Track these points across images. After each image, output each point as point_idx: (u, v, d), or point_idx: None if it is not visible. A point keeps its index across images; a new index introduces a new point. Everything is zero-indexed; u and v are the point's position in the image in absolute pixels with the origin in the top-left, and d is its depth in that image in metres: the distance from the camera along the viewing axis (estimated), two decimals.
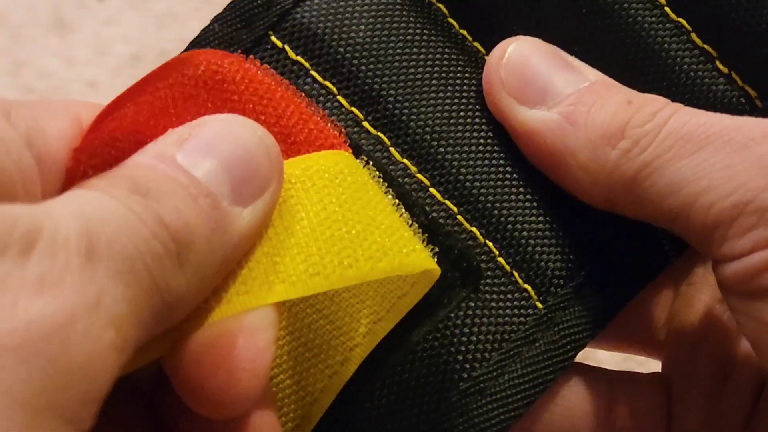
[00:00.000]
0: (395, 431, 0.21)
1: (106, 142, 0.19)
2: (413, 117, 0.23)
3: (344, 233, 0.19)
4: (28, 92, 0.53)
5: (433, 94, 0.23)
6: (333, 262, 0.19)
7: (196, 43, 0.23)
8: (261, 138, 0.19)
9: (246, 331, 0.18)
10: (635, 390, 0.25)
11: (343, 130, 0.22)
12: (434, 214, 0.22)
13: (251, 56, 0.22)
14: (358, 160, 0.21)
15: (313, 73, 0.23)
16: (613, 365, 0.26)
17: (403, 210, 0.21)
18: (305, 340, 0.21)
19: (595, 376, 0.24)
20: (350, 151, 0.21)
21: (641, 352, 0.26)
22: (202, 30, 0.23)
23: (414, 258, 0.19)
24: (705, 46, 0.23)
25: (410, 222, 0.21)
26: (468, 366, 0.21)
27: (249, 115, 0.20)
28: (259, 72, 0.21)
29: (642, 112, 0.22)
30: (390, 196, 0.21)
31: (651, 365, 0.26)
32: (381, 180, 0.21)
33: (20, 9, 0.57)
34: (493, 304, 0.22)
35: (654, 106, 0.22)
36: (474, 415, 0.21)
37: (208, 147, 0.18)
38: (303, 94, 0.22)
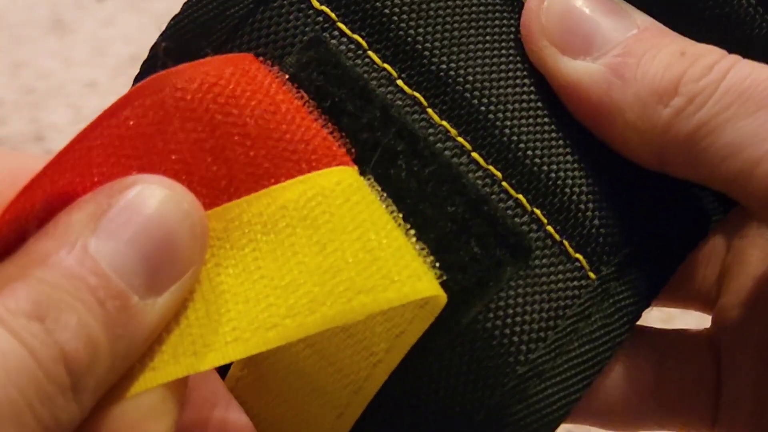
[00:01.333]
0: (447, 422, 0.20)
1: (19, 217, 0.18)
2: (452, 73, 0.21)
3: (340, 264, 0.18)
4: (28, 92, 0.53)
5: (472, 46, 0.21)
6: (318, 301, 0.18)
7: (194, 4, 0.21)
8: (187, 213, 0.18)
9: (129, 426, 0.16)
10: (683, 353, 0.23)
11: (350, 148, 0.20)
12: (479, 182, 0.20)
13: (256, 57, 0.20)
14: (364, 179, 0.20)
15: (340, 25, 0.20)
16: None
17: (407, 227, 0.20)
18: (316, 369, 0.20)
19: (641, 340, 0.23)
20: (355, 167, 0.20)
21: (691, 308, 0.24)
22: None
23: (420, 286, 0.18)
24: None
25: (414, 240, 0.20)
26: (524, 348, 0.20)
27: (245, 132, 0.19)
28: (265, 79, 0.20)
29: (697, 64, 0.20)
30: (394, 213, 0.20)
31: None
32: (385, 196, 0.20)
33: (19, 9, 0.57)
34: (545, 278, 0.20)
35: (711, 58, 0.20)
36: (534, 401, 0.20)
37: (125, 227, 0.17)
38: (307, 103, 0.20)
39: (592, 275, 0.20)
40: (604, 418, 0.23)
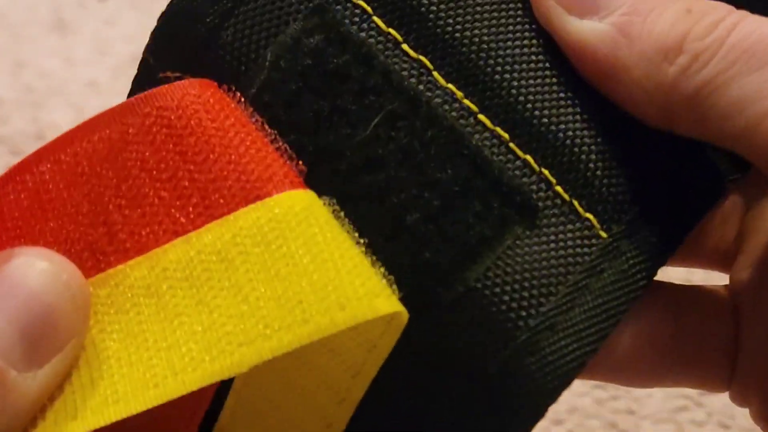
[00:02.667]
0: (460, 377, 0.20)
1: None
2: (458, 35, 0.21)
3: (263, 302, 0.18)
4: (28, 92, 0.53)
5: (478, 8, 0.21)
6: (198, 359, 0.18)
7: None
8: (66, 284, 0.18)
9: None
10: (701, 310, 0.23)
11: (302, 168, 0.20)
12: (486, 143, 0.20)
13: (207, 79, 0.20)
14: (321, 200, 0.20)
15: None
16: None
17: (364, 248, 0.20)
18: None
19: (659, 296, 0.23)
20: (308, 189, 0.20)
21: (709, 267, 0.24)
22: None
23: (378, 303, 0.18)
24: None
25: (373, 261, 0.20)
26: (534, 302, 0.20)
27: (188, 161, 0.19)
28: (212, 102, 0.20)
29: (703, 22, 0.20)
30: (351, 235, 0.20)
31: None
32: (342, 217, 0.20)
33: (20, 9, 0.56)
34: (554, 237, 0.20)
35: (716, 15, 0.20)
36: (547, 353, 0.20)
37: (2, 302, 0.17)
38: (258, 125, 0.20)
39: (603, 234, 0.20)
40: (621, 373, 0.23)
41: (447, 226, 0.20)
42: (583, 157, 0.21)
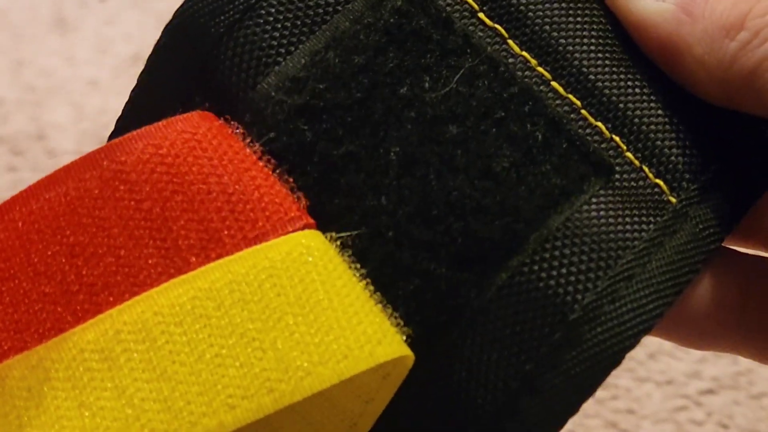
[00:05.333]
0: (538, 326, 0.20)
1: None
2: (531, 8, 0.22)
3: (285, 344, 0.18)
4: (29, 91, 0.53)
5: None
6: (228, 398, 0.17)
7: None
8: None
9: None
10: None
11: (305, 203, 0.20)
12: (558, 109, 0.21)
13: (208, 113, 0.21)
14: (325, 237, 0.20)
15: None
16: None
17: (372, 288, 0.20)
18: None
19: (728, 263, 0.23)
20: (314, 227, 0.20)
21: (764, 249, 0.25)
22: None
23: (385, 348, 0.18)
24: None
25: (382, 301, 0.20)
26: (613, 254, 0.21)
27: (189, 201, 0.19)
28: (217, 143, 0.19)
29: (764, 1, 0.21)
30: (358, 274, 0.20)
31: None
32: (348, 255, 0.20)
33: (21, 8, 0.56)
34: (626, 197, 0.21)
35: None
36: (626, 302, 0.20)
37: None
38: (262, 160, 0.20)
39: (672, 199, 0.21)
40: (689, 334, 0.23)
41: (529, 175, 0.21)
42: (652, 127, 0.22)
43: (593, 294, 0.20)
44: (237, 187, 0.19)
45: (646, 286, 0.21)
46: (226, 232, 0.19)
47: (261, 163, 0.20)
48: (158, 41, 0.23)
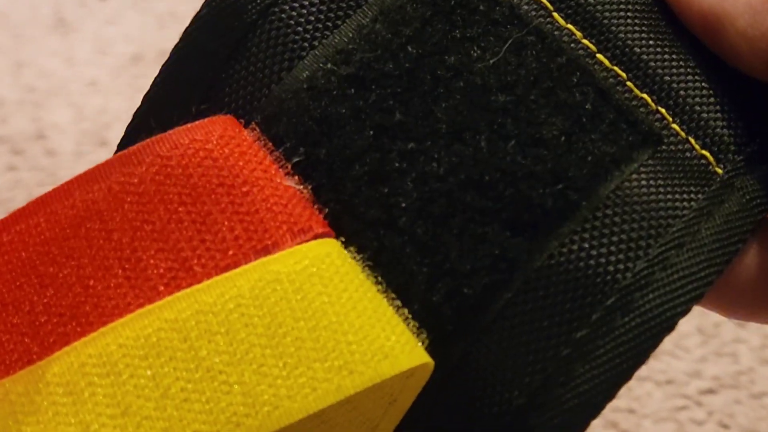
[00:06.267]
0: (590, 292, 0.20)
1: None
2: None
3: (306, 354, 0.17)
4: (29, 92, 0.53)
5: None
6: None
7: None
8: None
9: None
10: None
11: (323, 211, 0.20)
12: (605, 83, 0.21)
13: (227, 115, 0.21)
14: (340, 244, 0.19)
15: None
16: None
17: (393, 296, 0.20)
18: None
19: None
20: (333, 235, 0.20)
21: None
22: None
23: (404, 358, 0.18)
24: None
25: (401, 309, 0.20)
26: (663, 222, 0.21)
27: (202, 210, 0.18)
28: (231, 148, 0.19)
29: None
30: (376, 282, 0.20)
31: None
32: (367, 264, 0.20)
33: (21, 8, 0.56)
34: (673, 168, 0.21)
35: None
36: (678, 269, 0.21)
37: None
38: (279, 169, 0.20)
39: (719, 170, 0.22)
40: (737, 303, 0.23)
41: (580, 143, 0.21)
42: (696, 100, 0.22)
43: (644, 261, 0.20)
44: (238, 201, 0.19)
45: (697, 254, 0.21)
46: (196, 261, 0.18)
47: (275, 173, 0.20)
48: (192, 24, 0.23)
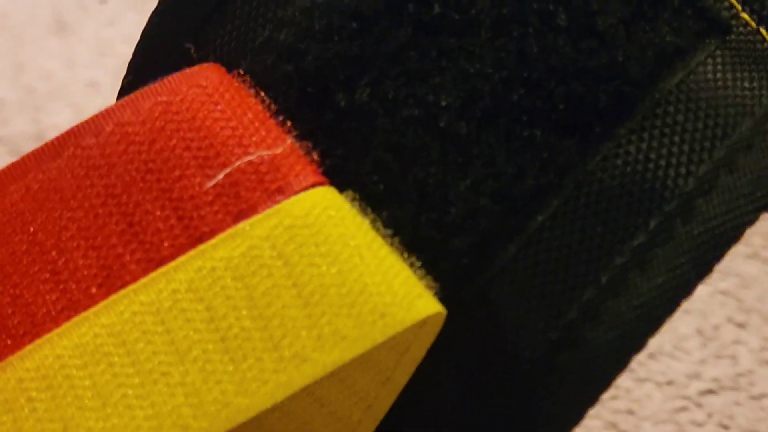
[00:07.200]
0: (647, 198, 0.19)
1: None
2: None
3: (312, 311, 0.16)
4: (29, 93, 0.53)
5: None
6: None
7: None
8: None
9: None
10: None
11: (317, 159, 0.18)
12: None
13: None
14: (342, 196, 0.18)
15: None
16: None
17: (398, 243, 0.18)
18: None
19: None
20: (328, 183, 0.18)
21: None
22: None
23: (418, 307, 0.17)
24: None
25: (407, 258, 0.18)
26: (731, 120, 0.19)
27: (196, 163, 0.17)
28: (218, 96, 0.18)
29: None
30: (379, 229, 0.18)
31: None
32: (369, 210, 0.18)
33: (21, 10, 0.56)
34: (744, 59, 0.20)
35: None
36: (745, 173, 0.19)
37: None
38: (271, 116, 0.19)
39: None
40: None
41: (639, 33, 0.19)
42: None
43: (709, 163, 0.19)
44: (168, 188, 0.18)
45: (766, 156, 0.19)
46: (129, 257, 0.17)
47: (255, 132, 0.18)
48: None
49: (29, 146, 0.53)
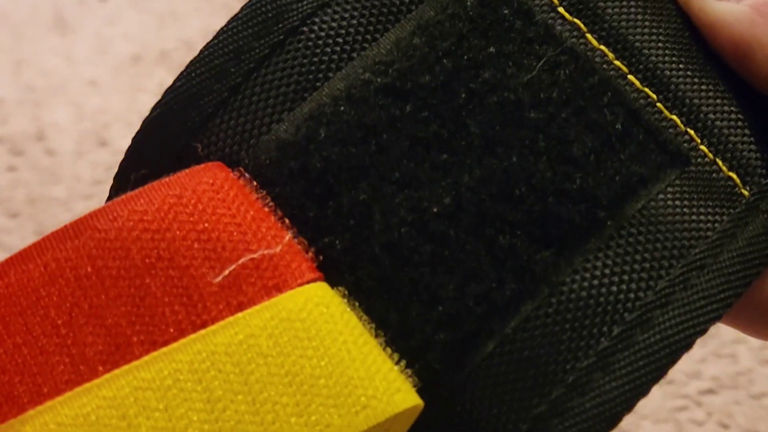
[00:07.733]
0: (611, 309, 0.21)
1: None
2: (609, 4, 0.23)
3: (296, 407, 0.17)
4: (29, 91, 0.53)
5: None
6: None
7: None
8: None
9: None
10: None
11: (312, 254, 0.20)
12: (635, 103, 0.22)
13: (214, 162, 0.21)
14: (334, 291, 0.19)
15: None
16: None
17: (383, 337, 0.19)
18: None
19: None
20: (322, 278, 0.19)
21: None
22: None
23: (397, 400, 0.18)
24: None
25: (391, 352, 0.20)
26: (686, 243, 0.21)
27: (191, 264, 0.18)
28: (220, 197, 0.19)
29: None
30: (365, 323, 0.19)
31: None
32: (357, 305, 0.20)
33: (21, 8, 0.56)
34: (701, 188, 0.22)
35: None
36: (698, 290, 0.21)
37: None
38: (271, 211, 0.20)
39: (745, 192, 0.22)
40: (753, 322, 0.24)
41: (608, 162, 0.21)
42: (724, 123, 0.22)
43: (666, 281, 0.21)
44: (177, 275, 0.19)
45: (717, 276, 0.21)
46: (135, 338, 0.18)
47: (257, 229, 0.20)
48: (230, 23, 0.23)
49: (29, 144, 0.53)
